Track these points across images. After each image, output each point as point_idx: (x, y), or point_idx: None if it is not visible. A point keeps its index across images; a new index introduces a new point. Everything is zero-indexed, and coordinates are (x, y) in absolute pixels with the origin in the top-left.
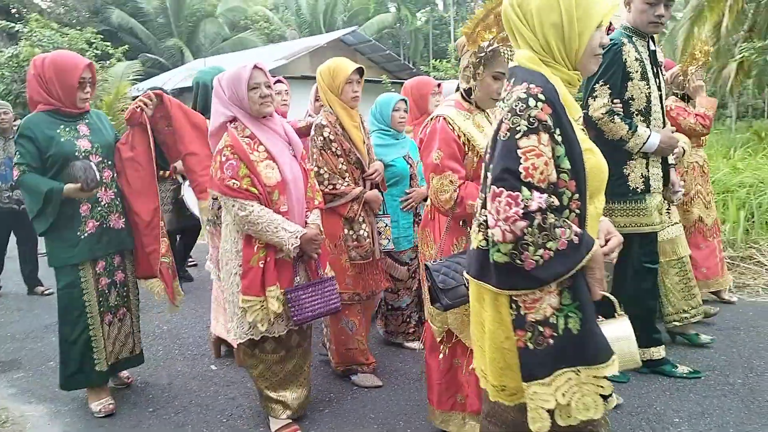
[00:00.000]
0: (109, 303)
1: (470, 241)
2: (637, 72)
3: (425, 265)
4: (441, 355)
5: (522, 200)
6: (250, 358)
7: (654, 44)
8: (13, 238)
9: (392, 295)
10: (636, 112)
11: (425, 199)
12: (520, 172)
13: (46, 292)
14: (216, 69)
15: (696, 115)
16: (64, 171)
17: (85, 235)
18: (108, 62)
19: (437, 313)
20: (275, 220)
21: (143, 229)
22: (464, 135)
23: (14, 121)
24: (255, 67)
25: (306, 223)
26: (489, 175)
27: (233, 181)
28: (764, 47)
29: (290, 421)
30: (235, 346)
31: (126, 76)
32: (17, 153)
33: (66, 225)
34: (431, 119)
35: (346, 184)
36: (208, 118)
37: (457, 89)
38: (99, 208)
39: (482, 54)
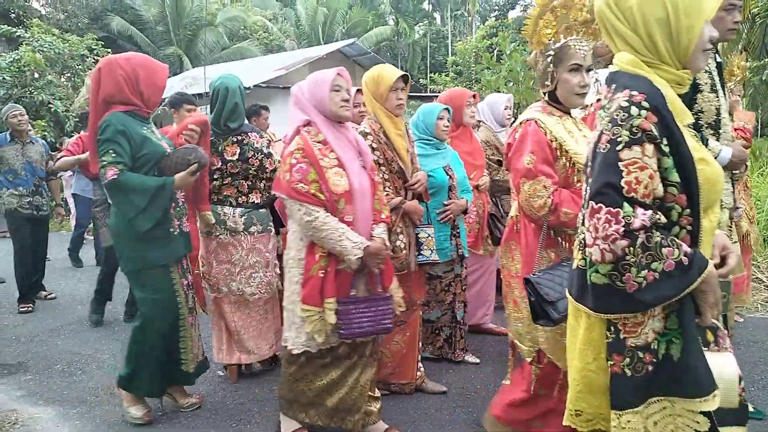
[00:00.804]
0: (188, 305)
1: (560, 256)
2: (706, 84)
3: (525, 278)
4: (533, 375)
5: (623, 217)
6: (294, 364)
7: (719, 55)
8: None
9: (423, 307)
10: (706, 126)
11: (464, 212)
12: (622, 187)
13: (48, 297)
14: (235, 76)
15: (736, 129)
16: (152, 169)
17: (176, 233)
18: None
19: (527, 331)
20: (340, 228)
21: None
22: (556, 139)
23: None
24: (338, 74)
25: (371, 236)
26: (588, 189)
27: (301, 185)
28: (759, 66)
29: (300, 426)
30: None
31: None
32: (111, 152)
33: (159, 223)
34: (521, 123)
35: (384, 194)
36: (229, 122)
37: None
38: (178, 209)
39: (550, 52)
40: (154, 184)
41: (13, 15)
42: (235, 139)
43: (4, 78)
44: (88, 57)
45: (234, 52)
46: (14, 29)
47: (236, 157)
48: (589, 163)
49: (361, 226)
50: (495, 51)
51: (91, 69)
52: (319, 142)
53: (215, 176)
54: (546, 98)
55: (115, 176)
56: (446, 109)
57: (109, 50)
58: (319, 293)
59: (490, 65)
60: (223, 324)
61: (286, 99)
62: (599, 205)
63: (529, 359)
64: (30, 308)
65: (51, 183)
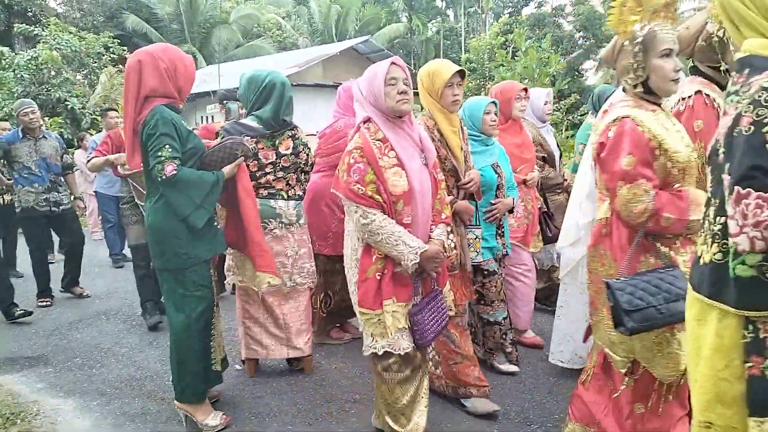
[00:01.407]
0: (214, 300)
1: (661, 261)
2: None
3: (606, 282)
4: (624, 386)
5: None
6: (377, 376)
7: None
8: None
9: (485, 307)
10: None
11: (510, 211)
12: None
13: (84, 294)
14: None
15: None
16: (195, 164)
17: (219, 228)
18: (124, 66)
19: (620, 340)
20: (396, 232)
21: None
22: (655, 137)
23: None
24: (392, 63)
25: (429, 237)
26: (725, 176)
27: (358, 186)
28: None
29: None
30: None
31: None
32: (167, 147)
33: (209, 219)
34: (614, 121)
35: None
36: (284, 115)
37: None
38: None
39: (639, 39)
40: (210, 180)
41: (31, 14)
42: (289, 134)
43: (22, 75)
44: (104, 55)
45: (247, 50)
46: (32, 28)
47: (290, 150)
48: (720, 150)
49: (419, 227)
50: (510, 48)
51: (106, 67)
52: (378, 140)
53: (268, 170)
54: (635, 90)
55: (175, 172)
56: (493, 102)
57: (125, 48)
58: (374, 295)
59: (505, 62)
60: (258, 317)
61: (300, 96)
62: (747, 189)
63: (623, 370)
64: (49, 302)
65: (68, 177)
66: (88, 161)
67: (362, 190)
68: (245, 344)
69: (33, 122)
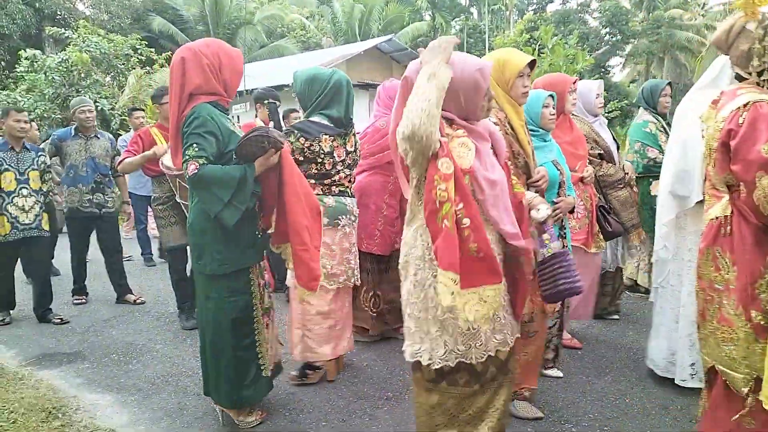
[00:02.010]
0: (264, 305)
1: None
2: None
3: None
4: (746, 409)
5: None
6: (429, 392)
7: None
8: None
9: None
10: None
11: (572, 211)
12: None
13: (138, 301)
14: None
15: None
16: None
17: (260, 235)
18: (152, 68)
19: (743, 356)
20: None
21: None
22: None
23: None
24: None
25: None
26: None
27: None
28: None
29: None
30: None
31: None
32: (194, 146)
33: (249, 222)
34: (745, 105)
35: None
36: (351, 114)
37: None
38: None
39: None
40: (236, 174)
41: (60, 17)
42: (353, 131)
43: (53, 77)
44: (132, 56)
45: (272, 50)
46: (62, 30)
47: (353, 148)
48: None
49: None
50: (537, 45)
51: (134, 68)
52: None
53: (339, 168)
54: (761, 78)
55: (196, 170)
56: (551, 95)
57: (152, 49)
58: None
59: None
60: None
61: None
62: None
63: (744, 389)
64: (84, 300)
65: (118, 179)
66: (119, 162)
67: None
68: (303, 347)
69: (89, 121)
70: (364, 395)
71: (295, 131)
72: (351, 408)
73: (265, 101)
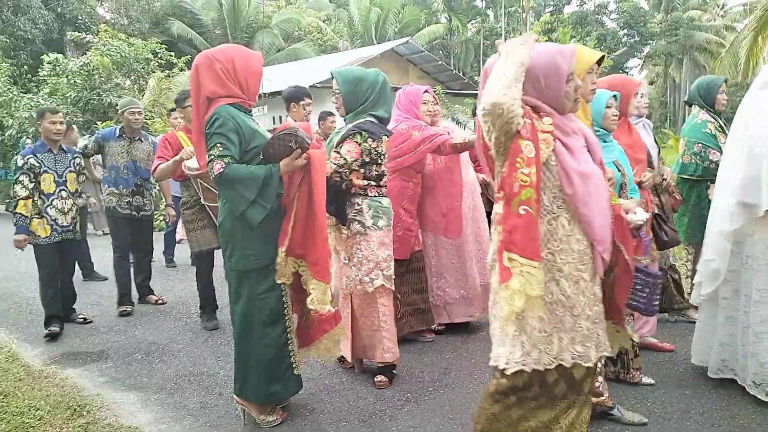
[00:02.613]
0: (291, 303)
1: None
2: None
3: None
4: None
5: None
6: (497, 402)
7: None
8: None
9: None
10: None
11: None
12: None
13: (159, 302)
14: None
15: None
16: (261, 163)
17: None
18: (171, 71)
19: None
20: None
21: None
22: None
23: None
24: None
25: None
26: None
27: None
28: None
29: None
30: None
31: (188, 84)
32: (218, 145)
33: (274, 221)
34: None
35: None
36: (387, 119)
37: None
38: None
39: None
40: (261, 173)
41: (80, 21)
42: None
43: (75, 81)
44: (152, 60)
45: (289, 54)
46: (83, 35)
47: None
48: None
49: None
50: None
51: (155, 72)
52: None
53: (384, 169)
54: None
55: (222, 170)
56: (614, 96)
57: (172, 53)
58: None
59: None
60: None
61: None
62: None
63: None
64: (129, 310)
65: (162, 183)
66: (154, 170)
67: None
68: (384, 348)
69: (137, 122)
70: (384, 396)
71: (363, 132)
72: (371, 409)
73: (300, 100)
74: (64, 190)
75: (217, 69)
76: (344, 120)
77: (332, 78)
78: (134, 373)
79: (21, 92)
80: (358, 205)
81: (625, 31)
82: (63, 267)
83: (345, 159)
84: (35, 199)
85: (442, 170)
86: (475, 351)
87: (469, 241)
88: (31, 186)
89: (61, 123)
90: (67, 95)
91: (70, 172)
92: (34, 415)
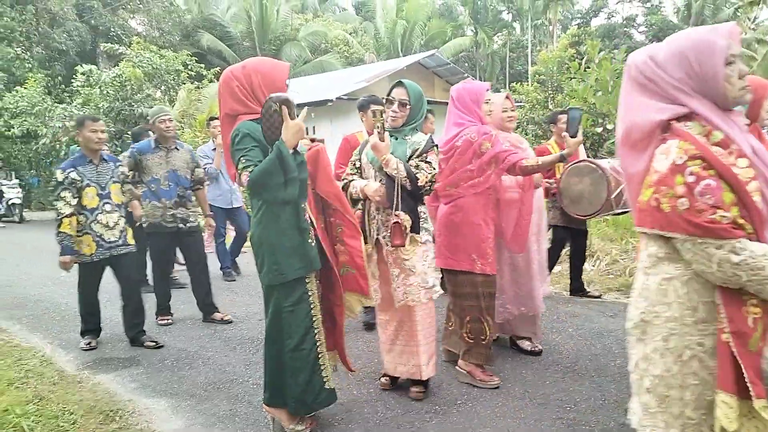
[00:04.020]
0: (320, 317)
1: None
2: None
3: None
4: None
5: None
6: None
7: None
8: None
9: None
10: None
11: None
12: None
13: (225, 318)
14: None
15: None
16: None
17: (313, 244)
18: (201, 83)
19: None
20: None
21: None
22: None
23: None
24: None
25: None
26: None
27: (720, 213)
28: None
29: None
30: None
31: (216, 96)
32: (242, 159)
33: (299, 233)
34: None
35: None
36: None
37: None
38: (306, 221)
39: None
40: (273, 156)
41: (113, 33)
42: None
43: (107, 92)
44: (182, 72)
45: (316, 66)
46: (116, 46)
47: None
48: None
49: None
50: (583, 59)
51: (185, 83)
52: (716, 144)
53: None
54: None
55: (249, 178)
56: None
57: (202, 65)
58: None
59: (578, 74)
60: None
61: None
62: None
63: None
64: (169, 321)
65: (198, 193)
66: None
67: (725, 217)
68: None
69: (169, 131)
70: (412, 408)
71: (436, 146)
72: (399, 420)
73: (369, 109)
74: (108, 203)
75: (234, 87)
76: (391, 131)
77: (397, 86)
78: (165, 380)
79: (55, 102)
80: (424, 213)
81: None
82: (120, 282)
83: (435, 169)
84: (78, 215)
85: (513, 184)
86: (504, 364)
87: (533, 259)
88: (74, 202)
89: (103, 131)
90: (99, 105)
91: (114, 182)
92: (68, 419)
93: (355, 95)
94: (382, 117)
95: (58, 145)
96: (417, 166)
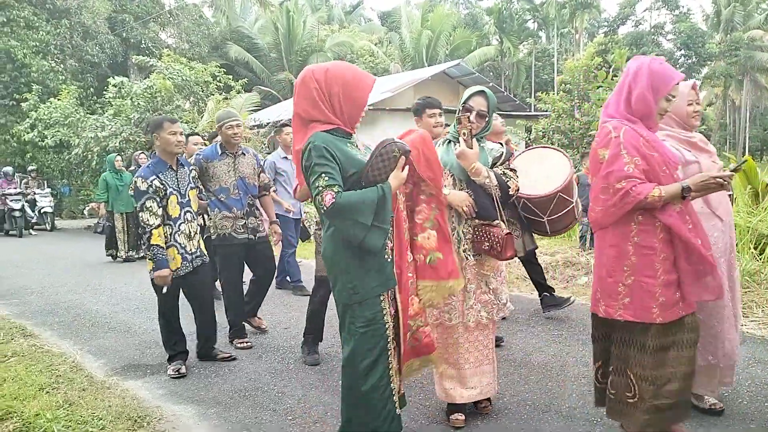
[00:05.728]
0: (390, 336)
1: None
2: None
3: None
4: None
5: None
6: None
7: None
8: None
9: None
10: None
11: None
12: None
13: (262, 327)
14: None
15: None
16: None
17: (389, 261)
18: (229, 94)
19: None
20: None
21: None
22: None
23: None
24: None
25: None
26: None
27: None
28: None
29: None
30: None
31: (245, 107)
32: (323, 176)
33: (378, 251)
34: None
35: None
36: None
37: None
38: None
39: None
40: (374, 196)
41: (144, 46)
42: None
43: (138, 103)
44: (211, 83)
45: None
46: (147, 59)
47: None
48: None
49: None
50: (611, 68)
51: (213, 94)
52: None
53: None
54: None
55: (333, 200)
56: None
57: (230, 76)
58: None
59: (605, 83)
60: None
61: (391, 120)
62: None
63: None
64: (250, 344)
65: (264, 199)
66: (294, 189)
67: None
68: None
69: (236, 137)
70: (436, 419)
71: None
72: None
73: (424, 113)
74: (188, 211)
75: (311, 88)
76: (460, 138)
77: (478, 95)
78: (192, 387)
79: (87, 113)
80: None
81: (682, 51)
82: (194, 294)
83: (518, 177)
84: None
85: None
86: (529, 376)
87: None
88: (160, 212)
89: (182, 134)
90: (130, 116)
91: (192, 188)
92: (97, 425)
93: (380, 105)
94: (470, 122)
95: (90, 155)
96: (504, 174)
